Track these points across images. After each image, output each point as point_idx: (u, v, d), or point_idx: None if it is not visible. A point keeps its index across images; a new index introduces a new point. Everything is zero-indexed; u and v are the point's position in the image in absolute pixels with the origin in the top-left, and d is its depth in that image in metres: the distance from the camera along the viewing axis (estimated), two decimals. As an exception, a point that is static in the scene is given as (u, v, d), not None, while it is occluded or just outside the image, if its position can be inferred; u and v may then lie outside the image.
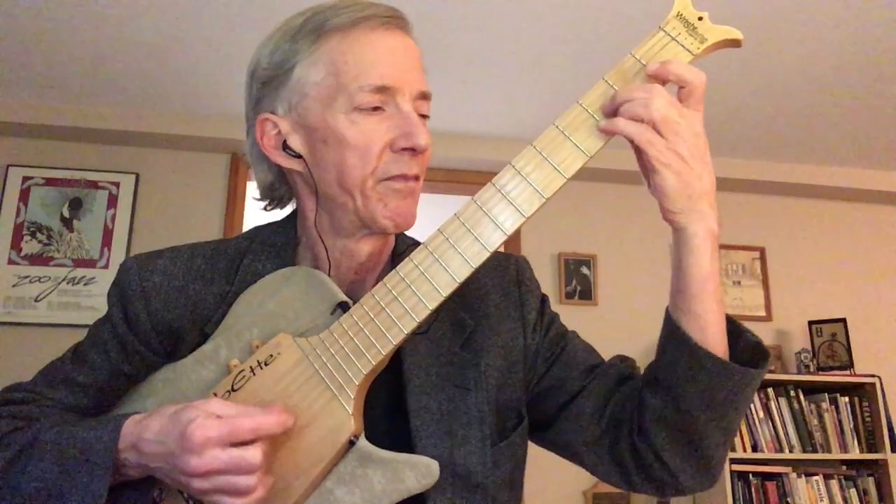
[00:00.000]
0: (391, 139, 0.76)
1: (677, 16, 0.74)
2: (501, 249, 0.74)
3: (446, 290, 0.71)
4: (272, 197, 0.88)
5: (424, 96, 0.79)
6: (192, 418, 0.65)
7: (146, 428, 0.69)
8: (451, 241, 0.71)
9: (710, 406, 0.74)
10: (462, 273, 0.71)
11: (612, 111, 0.71)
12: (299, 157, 0.79)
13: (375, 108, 0.75)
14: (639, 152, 0.71)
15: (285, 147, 0.79)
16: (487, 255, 0.71)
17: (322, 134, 0.76)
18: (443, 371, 0.80)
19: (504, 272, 0.90)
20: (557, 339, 0.89)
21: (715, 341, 0.73)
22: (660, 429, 0.77)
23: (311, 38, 0.77)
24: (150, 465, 0.69)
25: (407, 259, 0.73)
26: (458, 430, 0.78)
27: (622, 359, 0.89)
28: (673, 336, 0.75)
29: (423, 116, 0.80)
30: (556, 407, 0.86)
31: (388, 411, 0.77)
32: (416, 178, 0.78)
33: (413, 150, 0.76)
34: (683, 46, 0.73)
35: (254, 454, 0.65)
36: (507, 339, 0.85)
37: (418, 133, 0.75)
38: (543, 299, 0.92)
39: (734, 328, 0.76)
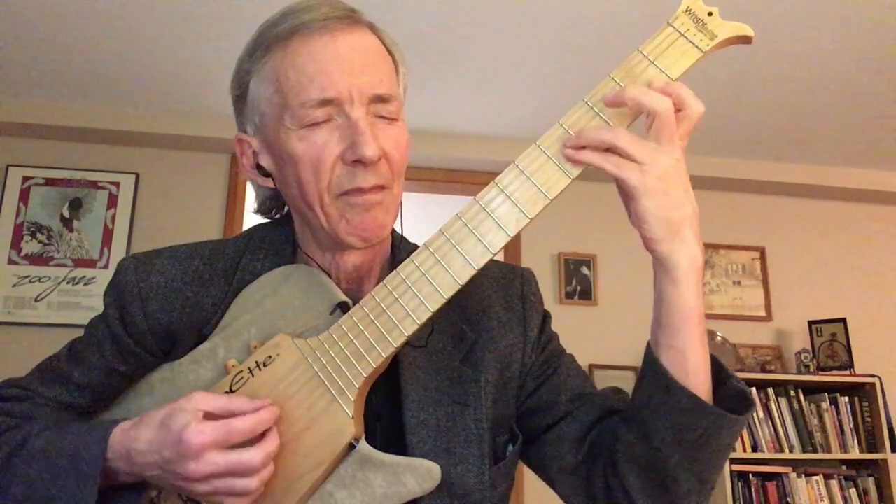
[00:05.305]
0: (342, 151, 0.71)
1: (686, 11, 0.71)
2: (502, 251, 0.73)
3: (448, 291, 0.69)
4: (268, 209, 0.87)
5: (381, 99, 0.73)
6: (185, 424, 0.65)
7: (135, 438, 0.68)
8: (454, 242, 0.70)
9: (681, 446, 0.69)
10: (464, 275, 0.69)
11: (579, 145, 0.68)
12: (270, 175, 0.78)
13: (325, 121, 0.71)
14: (618, 181, 0.67)
15: (258, 166, 0.78)
16: (490, 256, 0.70)
17: (279, 151, 0.74)
18: (442, 386, 0.78)
19: (509, 285, 0.87)
20: (551, 360, 0.87)
21: (696, 380, 0.69)
22: (631, 466, 0.73)
23: (261, 52, 0.74)
24: (145, 473, 0.69)
25: (408, 260, 0.71)
26: (456, 448, 0.76)
27: (616, 391, 0.86)
28: (651, 370, 0.71)
29: (386, 119, 0.73)
30: (540, 428, 0.84)
31: (385, 425, 0.76)
32: (378, 188, 0.72)
33: (362, 162, 0.71)
34: (692, 43, 0.70)
35: (251, 457, 0.65)
36: (506, 353, 0.83)
37: (363, 143, 0.69)
38: (546, 316, 0.89)
39: (720, 373, 0.72)
